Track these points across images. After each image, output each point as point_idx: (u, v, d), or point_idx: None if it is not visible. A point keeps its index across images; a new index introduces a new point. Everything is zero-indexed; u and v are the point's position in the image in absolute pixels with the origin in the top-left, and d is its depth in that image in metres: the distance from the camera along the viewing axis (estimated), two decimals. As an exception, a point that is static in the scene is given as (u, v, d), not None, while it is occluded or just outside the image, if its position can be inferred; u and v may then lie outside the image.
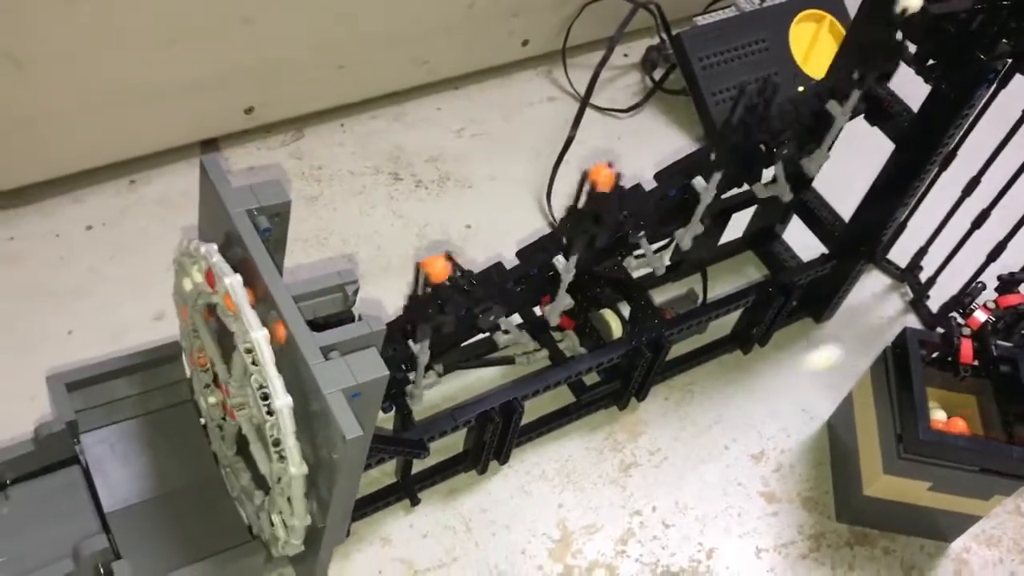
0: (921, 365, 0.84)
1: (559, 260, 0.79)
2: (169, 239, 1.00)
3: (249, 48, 1.00)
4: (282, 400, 0.60)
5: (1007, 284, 0.88)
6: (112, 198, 1.04)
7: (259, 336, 0.60)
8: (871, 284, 1.11)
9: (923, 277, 1.09)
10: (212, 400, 0.73)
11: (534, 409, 0.92)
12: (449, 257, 0.70)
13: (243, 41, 0.99)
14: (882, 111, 0.87)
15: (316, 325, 0.65)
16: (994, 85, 0.86)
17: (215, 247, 0.64)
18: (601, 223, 0.73)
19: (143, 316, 0.95)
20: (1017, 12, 0.75)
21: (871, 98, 0.87)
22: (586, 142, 1.18)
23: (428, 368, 0.82)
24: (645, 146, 1.19)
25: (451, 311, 0.72)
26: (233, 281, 0.62)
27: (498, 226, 1.08)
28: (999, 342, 0.89)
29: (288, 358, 0.61)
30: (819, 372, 1.02)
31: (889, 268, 1.11)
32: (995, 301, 0.88)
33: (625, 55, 1.31)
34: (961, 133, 0.95)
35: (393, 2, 1.06)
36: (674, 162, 0.83)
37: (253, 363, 0.61)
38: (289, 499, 0.64)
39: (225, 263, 0.63)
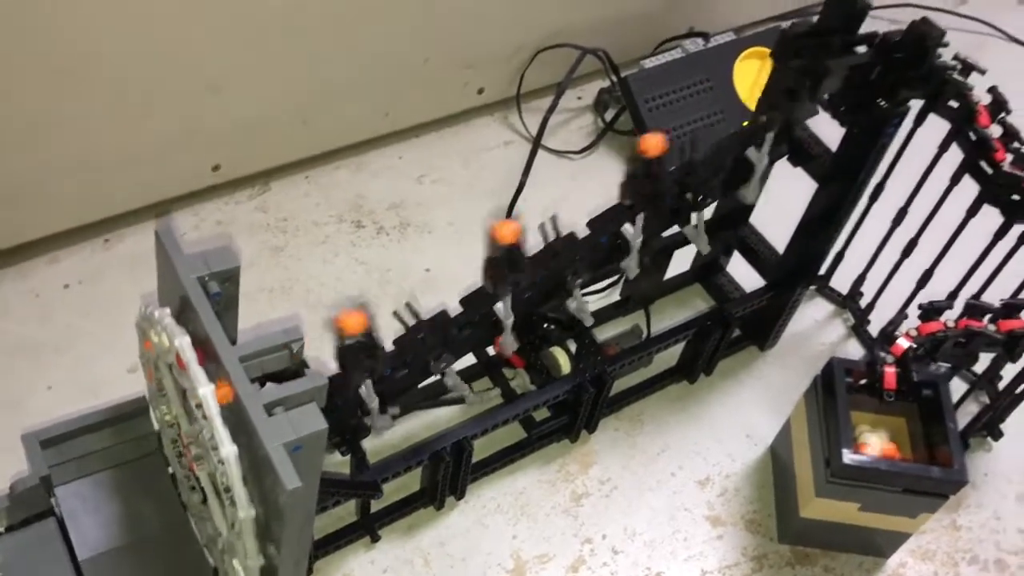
0: (846, 393, 0.89)
1: (498, 307, 0.84)
2: (142, 294, 1.06)
3: (216, 112, 1.06)
4: (246, 512, 0.64)
5: (928, 312, 0.93)
6: (88, 257, 1.10)
7: (229, 453, 0.64)
8: (814, 311, 1.16)
9: (863, 303, 1.14)
10: (168, 417, 0.77)
11: (490, 444, 0.97)
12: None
13: (210, 107, 1.05)
14: (803, 153, 0.93)
15: (282, 376, 0.71)
16: (909, 125, 0.92)
17: (188, 341, 0.67)
18: (519, 270, 0.78)
19: (118, 369, 1.01)
20: (912, 63, 0.81)
21: (793, 141, 0.92)
22: (541, 184, 1.24)
23: (383, 411, 0.87)
24: (598, 185, 1.25)
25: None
26: (207, 392, 0.64)
27: (456, 269, 1.13)
28: (941, 364, 0.94)
29: (236, 415, 0.66)
30: (763, 398, 1.07)
31: (831, 295, 1.17)
32: (917, 328, 0.93)
33: (579, 97, 1.37)
34: (886, 168, 1.01)
35: (353, 60, 1.12)
36: (604, 210, 0.88)
37: (220, 462, 0.65)
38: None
39: (201, 371, 0.65)
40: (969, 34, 1.58)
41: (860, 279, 1.13)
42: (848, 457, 0.85)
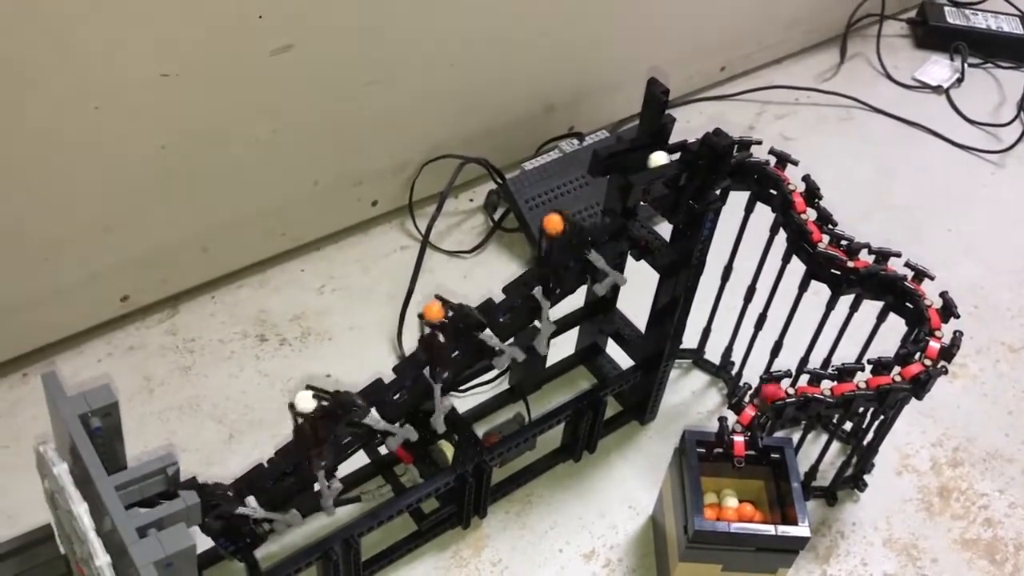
0: (697, 464, 0.97)
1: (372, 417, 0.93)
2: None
3: (114, 250, 1.15)
4: None
5: (768, 381, 1.02)
6: (6, 393, 1.17)
7: (103, 563, 0.71)
8: (692, 382, 1.25)
9: (735, 372, 1.23)
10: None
11: (386, 538, 1.04)
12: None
13: (108, 245, 1.14)
14: (643, 249, 1.02)
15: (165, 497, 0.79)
16: (741, 213, 1.02)
17: (65, 468, 0.75)
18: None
19: (38, 498, 1.07)
20: (713, 168, 0.91)
21: (631, 239, 1.02)
22: (436, 283, 1.33)
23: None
24: (489, 281, 1.34)
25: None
26: (81, 510, 0.73)
27: (355, 372, 1.22)
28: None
29: (114, 539, 0.74)
30: (644, 470, 1.15)
31: (707, 366, 1.26)
32: (761, 397, 1.02)
33: (471, 199, 1.47)
34: (730, 252, 1.11)
35: (241, 190, 1.22)
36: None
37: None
38: None
39: (76, 492, 0.74)
40: (836, 108, 1.71)
41: (728, 351, 1.23)
42: (699, 524, 0.93)
